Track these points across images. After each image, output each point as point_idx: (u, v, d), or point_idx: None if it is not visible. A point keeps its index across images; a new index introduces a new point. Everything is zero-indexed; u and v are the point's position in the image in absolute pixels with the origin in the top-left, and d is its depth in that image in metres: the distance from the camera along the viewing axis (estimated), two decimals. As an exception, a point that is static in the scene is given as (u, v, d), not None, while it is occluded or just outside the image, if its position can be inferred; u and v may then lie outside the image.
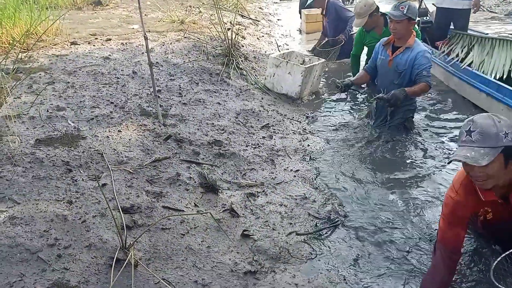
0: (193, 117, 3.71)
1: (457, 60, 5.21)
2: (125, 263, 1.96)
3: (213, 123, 3.71)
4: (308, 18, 8.53)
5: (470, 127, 1.85)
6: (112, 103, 3.58)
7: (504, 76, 4.53)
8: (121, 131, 3.14)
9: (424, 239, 2.63)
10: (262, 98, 4.64)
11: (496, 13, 9.52)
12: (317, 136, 4.12)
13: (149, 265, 2.08)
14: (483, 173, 1.84)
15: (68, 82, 3.86)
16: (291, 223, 2.69)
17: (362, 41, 5.28)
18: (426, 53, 3.90)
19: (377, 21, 5.00)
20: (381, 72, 4.20)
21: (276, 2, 12.56)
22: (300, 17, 9.24)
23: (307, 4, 6.88)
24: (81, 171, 2.60)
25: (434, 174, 3.39)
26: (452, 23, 5.84)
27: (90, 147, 2.86)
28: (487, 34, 6.06)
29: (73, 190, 2.41)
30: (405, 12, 3.85)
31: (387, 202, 3.02)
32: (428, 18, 5.98)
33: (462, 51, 5.34)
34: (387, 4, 11.21)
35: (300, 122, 4.37)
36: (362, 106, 4.83)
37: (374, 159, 3.66)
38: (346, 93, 4.38)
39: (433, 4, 6.05)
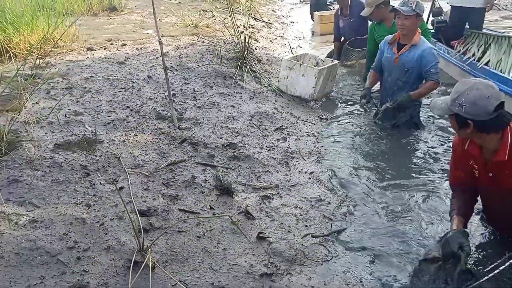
0: (207, 120, 3.74)
1: (474, 59, 5.15)
2: (143, 265, 1.98)
3: (227, 126, 3.73)
4: (322, 19, 8.51)
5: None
6: (128, 107, 3.63)
7: None
8: (137, 135, 3.19)
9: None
10: (275, 101, 4.65)
11: (511, 11, 9.38)
12: (332, 137, 4.11)
13: (166, 267, 2.10)
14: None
15: (85, 87, 3.93)
16: (306, 225, 2.69)
17: (373, 35, 5.26)
18: (432, 50, 3.89)
19: (385, 13, 4.97)
20: (387, 69, 4.19)
21: (294, 5, 12.50)
22: (312, 19, 9.22)
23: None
24: (99, 175, 2.65)
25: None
26: (467, 22, 5.78)
27: (107, 151, 2.91)
28: (503, 32, 5.98)
29: (91, 193, 2.46)
30: (414, 7, 3.85)
31: (403, 202, 3.00)
32: (442, 17, 5.93)
33: (478, 50, 5.28)
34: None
35: (314, 124, 4.37)
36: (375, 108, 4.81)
37: (388, 159, 3.64)
38: (368, 103, 4.42)
39: (447, 3, 5.99)
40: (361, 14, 5.29)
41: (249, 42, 5.61)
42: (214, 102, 4.11)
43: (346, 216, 2.84)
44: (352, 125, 4.45)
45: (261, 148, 3.56)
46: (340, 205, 2.97)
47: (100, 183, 2.56)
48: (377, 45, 5.41)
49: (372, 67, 4.43)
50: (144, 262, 1.99)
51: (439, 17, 5.98)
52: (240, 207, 2.72)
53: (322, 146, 3.86)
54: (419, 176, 3.38)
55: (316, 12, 8.81)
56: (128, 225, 2.25)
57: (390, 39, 4.14)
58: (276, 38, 7.68)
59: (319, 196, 3.03)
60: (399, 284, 2.28)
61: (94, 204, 2.37)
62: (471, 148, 2.24)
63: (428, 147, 3.84)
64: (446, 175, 3.33)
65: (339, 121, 4.63)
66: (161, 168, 2.87)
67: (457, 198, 2.38)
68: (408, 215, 2.87)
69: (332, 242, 2.59)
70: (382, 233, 2.68)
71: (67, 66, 4.48)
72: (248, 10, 6.98)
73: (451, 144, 3.80)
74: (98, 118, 3.37)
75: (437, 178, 3.34)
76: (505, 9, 9.57)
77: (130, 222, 2.12)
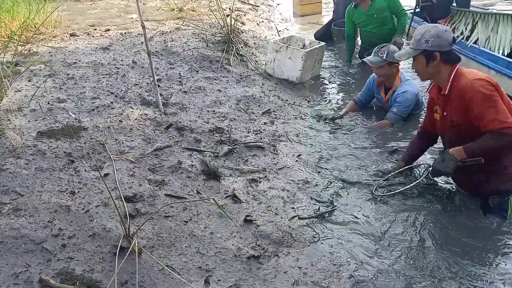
0: (193, 105, 3.71)
1: (462, 38, 5.15)
2: (129, 251, 1.98)
3: (214, 111, 3.71)
4: (302, 0, 8.42)
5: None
6: (112, 93, 3.58)
7: None
8: (122, 121, 3.15)
9: (431, 218, 2.64)
10: (263, 84, 4.62)
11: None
12: (319, 120, 4.10)
13: (153, 252, 2.10)
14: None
15: (68, 74, 3.86)
16: (293, 208, 2.69)
17: (351, 19, 5.25)
18: (408, 94, 3.82)
19: None
20: (379, 110, 4.21)
21: None
22: None
23: None
24: (84, 162, 2.62)
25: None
26: (454, 1, 5.77)
27: (91, 138, 2.87)
28: (488, 9, 5.98)
29: (76, 180, 2.43)
30: (384, 57, 3.82)
31: (390, 183, 3.02)
32: (427, -3, 5.90)
33: (466, 28, 5.27)
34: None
35: (301, 107, 4.36)
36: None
37: (375, 140, 3.66)
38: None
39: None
40: None
41: (235, 25, 5.56)
42: (200, 87, 4.07)
43: (333, 198, 2.85)
44: (340, 107, 4.45)
45: (248, 132, 3.54)
46: (327, 186, 2.98)
47: (85, 170, 2.53)
48: (355, 28, 5.42)
49: (354, 99, 4.30)
50: (130, 248, 1.98)
51: None
52: (227, 191, 2.71)
53: (309, 129, 3.86)
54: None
55: None
56: (113, 212, 2.24)
57: (376, 82, 4.10)
58: (262, 21, 7.60)
59: (306, 178, 3.03)
60: (385, 262, 2.30)
61: (79, 191, 2.35)
62: (431, 90, 2.69)
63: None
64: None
65: (327, 103, 4.62)
66: (147, 154, 2.85)
67: (415, 145, 3.03)
68: (395, 196, 2.89)
69: (319, 224, 2.60)
70: (369, 213, 2.70)
71: (49, 52, 4.39)
72: (234, -8, 6.90)
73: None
74: (82, 105, 3.32)
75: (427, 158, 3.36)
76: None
77: (116, 208, 2.10)
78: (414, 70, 2.65)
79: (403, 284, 2.17)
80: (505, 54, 4.47)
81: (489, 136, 2.33)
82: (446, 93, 2.49)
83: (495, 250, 2.40)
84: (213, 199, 2.44)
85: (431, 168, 2.60)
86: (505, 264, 2.29)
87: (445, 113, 2.57)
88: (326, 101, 4.68)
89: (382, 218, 2.66)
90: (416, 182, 2.75)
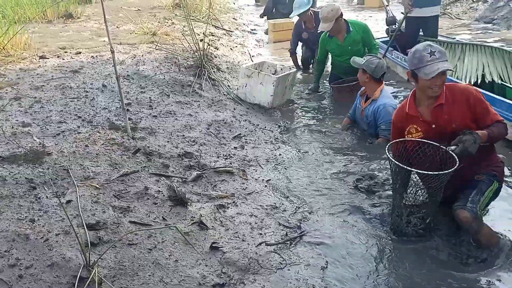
0: (163, 130, 3.69)
1: None
2: (88, 281, 1.92)
3: (183, 135, 3.70)
4: (275, 27, 8.61)
5: (430, 49, 2.55)
6: (79, 117, 3.53)
7: (479, 81, 4.65)
8: (88, 146, 3.10)
9: (394, 239, 2.67)
10: (234, 109, 4.65)
11: (463, 19, 9.79)
12: (289, 145, 4.14)
13: (114, 282, 2.04)
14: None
15: (35, 97, 3.80)
16: (261, 234, 2.68)
17: (325, 47, 5.37)
18: (388, 107, 3.94)
19: (342, 26, 5.08)
20: (357, 119, 4.37)
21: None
22: (263, 19, 9.52)
23: (296, 13, 6.56)
24: (46, 188, 2.55)
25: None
26: (422, 30, 5.99)
27: (55, 163, 2.81)
28: (455, 38, 6.23)
29: (36, 208, 2.36)
30: (362, 62, 4.09)
31: (357, 207, 3.05)
32: (396, 26, 6.12)
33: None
34: (352, 12, 11.48)
35: (272, 132, 4.39)
36: (334, 115, 4.91)
37: (345, 165, 3.70)
38: None
39: (402, 12, 6.19)
40: (318, 29, 5.28)
41: (208, 49, 5.61)
42: (170, 111, 4.06)
43: (301, 223, 2.85)
44: (311, 131, 4.51)
45: (218, 157, 3.54)
46: (296, 212, 2.99)
47: (47, 197, 2.47)
48: (327, 55, 5.56)
49: (348, 115, 4.51)
50: (90, 278, 1.93)
51: (393, 26, 6.17)
52: (194, 217, 2.68)
53: (279, 154, 3.88)
54: (376, 182, 3.44)
55: (269, 21, 8.94)
56: (74, 240, 2.17)
57: (362, 91, 4.30)
58: (236, 46, 7.71)
59: (275, 203, 3.04)
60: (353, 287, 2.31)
61: (39, 219, 2.28)
62: (410, 109, 2.76)
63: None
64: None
65: (297, 128, 4.67)
66: (113, 179, 2.80)
67: None
68: (364, 217, 2.93)
69: (286, 250, 2.59)
70: (336, 239, 2.72)
71: (17, 75, 4.32)
72: (208, 17, 6.98)
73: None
74: (47, 129, 3.26)
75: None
76: (458, 18, 9.98)
77: (76, 236, 2.05)
78: (441, 84, 2.62)
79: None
80: (472, 83, 4.63)
81: (500, 125, 2.60)
82: (443, 102, 2.64)
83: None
84: (175, 227, 2.40)
85: (458, 146, 2.53)
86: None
87: (439, 123, 2.67)
88: (297, 125, 4.74)
89: (352, 243, 2.67)
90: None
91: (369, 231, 2.81)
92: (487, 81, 4.62)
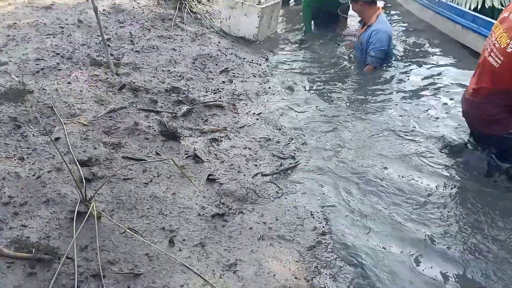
0: (147, 65, 3.54)
1: None
2: (87, 215, 1.88)
3: (169, 70, 3.56)
4: None
5: None
6: (58, 54, 3.35)
7: (479, 7, 4.54)
8: (70, 83, 2.96)
9: (383, 168, 2.69)
10: (219, 42, 4.48)
11: None
12: (278, 77, 4.05)
13: (113, 216, 2.01)
14: None
15: (9, 35, 3.57)
16: (256, 165, 2.66)
17: None
18: (380, 33, 3.85)
19: None
20: (356, 46, 4.30)
21: None
22: None
23: None
24: (31, 127, 2.45)
25: (406, 103, 3.44)
26: None
27: (38, 101, 2.68)
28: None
29: (24, 146, 2.27)
30: None
31: (349, 135, 3.05)
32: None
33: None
34: None
35: (260, 65, 4.27)
36: (322, 46, 4.78)
37: (336, 94, 3.66)
38: None
39: None
40: None
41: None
42: (153, 46, 3.89)
43: (295, 153, 2.84)
44: (297, 64, 4.41)
45: (206, 91, 3.44)
46: (289, 143, 2.97)
47: (33, 135, 2.37)
48: None
49: (353, 40, 4.48)
50: (88, 212, 1.89)
51: None
52: (188, 151, 2.64)
53: (269, 87, 3.80)
54: (369, 107, 3.41)
55: None
56: (67, 176, 2.12)
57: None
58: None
59: (268, 135, 3.00)
60: (350, 211, 2.34)
61: (28, 157, 2.20)
62: None
63: (388, 78, 3.87)
64: (398, 114, 3.42)
65: (285, 60, 4.56)
66: (101, 116, 2.70)
67: None
68: (356, 144, 2.93)
69: (282, 179, 2.59)
70: (331, 167, 2.72)
71: (-15, 13, 4.02)
72: None
73: (414, 72, 3.95)
74: (25, 67, 3.08)
75: (393, 106, 3.39)
76: None
77: (70, 172, 1.98)
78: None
79: (366, 231, 2.22)
80: (472, 8, 4.52)
81: None
82: None
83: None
84: (171, 159, 2.35)
85: None
86: None
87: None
88: (284, 57, 4.61)
89: (345, 168, 2.69)
90: None
91: (362, 155, 2.82)
92: (487, 6, 4.52)
